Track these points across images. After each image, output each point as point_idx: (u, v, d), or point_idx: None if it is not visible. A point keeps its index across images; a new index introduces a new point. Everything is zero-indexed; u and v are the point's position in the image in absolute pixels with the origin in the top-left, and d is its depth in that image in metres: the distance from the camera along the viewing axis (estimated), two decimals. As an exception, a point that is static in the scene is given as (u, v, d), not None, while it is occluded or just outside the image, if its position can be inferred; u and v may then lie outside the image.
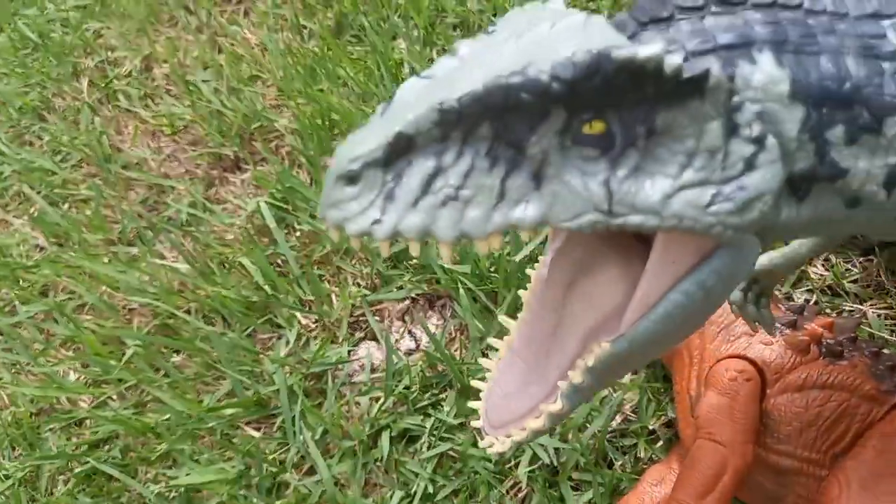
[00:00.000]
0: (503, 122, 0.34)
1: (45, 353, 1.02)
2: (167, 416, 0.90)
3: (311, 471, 0.83)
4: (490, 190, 0.34)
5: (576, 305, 0.41)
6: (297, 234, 1.00)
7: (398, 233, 0.33)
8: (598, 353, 0.39)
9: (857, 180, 0.39)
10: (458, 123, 0.33)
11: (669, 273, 0.38)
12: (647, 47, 0.33)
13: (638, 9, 0.37)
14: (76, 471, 0.90)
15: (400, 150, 0.33)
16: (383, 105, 0.35)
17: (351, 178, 0.33)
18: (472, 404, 0.43)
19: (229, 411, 0.88)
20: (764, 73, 0.36)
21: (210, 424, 0.87)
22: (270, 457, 0.84)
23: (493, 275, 0.85)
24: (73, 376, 0.99)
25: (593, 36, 0.34)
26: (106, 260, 1.06)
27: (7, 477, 0.93)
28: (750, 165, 0.36)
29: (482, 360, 0.44)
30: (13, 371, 1.02)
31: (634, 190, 0.35)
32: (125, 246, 1.09)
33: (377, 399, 0.85)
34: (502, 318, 0.45)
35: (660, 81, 0.33)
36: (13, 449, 0.96)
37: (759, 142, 0.36)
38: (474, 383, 0.44)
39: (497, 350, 0.43)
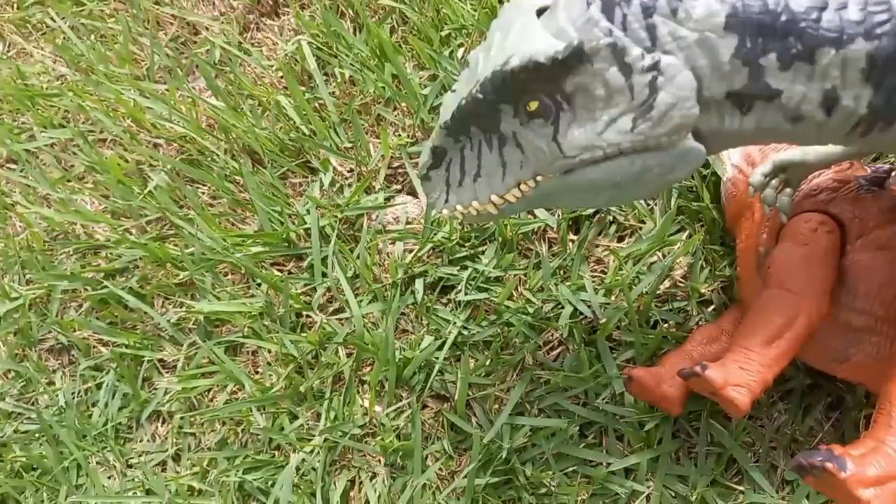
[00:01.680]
0: (479, 121, 0.48)
1: (62, 182, 0.98)
2: (189, 249, 0.87)
3: (338, 312, 0.80)
4: (496, 162, 0.49)
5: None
6: (338, 80, 0.94)
7: (457, 205, 0.51)
8: (542, 181, 0.48)
9: (793, 101, 0.45)
10: (458, 131, 0.49)
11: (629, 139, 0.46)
12: (535, 48, 0.44)
13: None
14: (90, 293, 0.87)
15: (439, 155, 0.50)
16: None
17: (425, 178, 0.51)
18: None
19: (255, 248, 0.84)
20: (705, 6, 0.43)
21: (235, 258, 0.83)
22: (296, 294, 0.81)
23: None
24: (91, 207, 0.95)
25: (518, 41, 0.45)
26: (133, 92, 1.01)
27: (16, 298, 0.90)
28: (653, 89, 0.43)
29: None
30: (29, 198, 0.98)
31: (576, 136, 0.45)
32: (152, 83, 1.03)
33: (411, 250, 0.81)
34: None
35: (554, 64, 0.43)
36: (23, 271, 0.93)
37: (654, 69, 0.43)
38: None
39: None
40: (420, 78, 0.90)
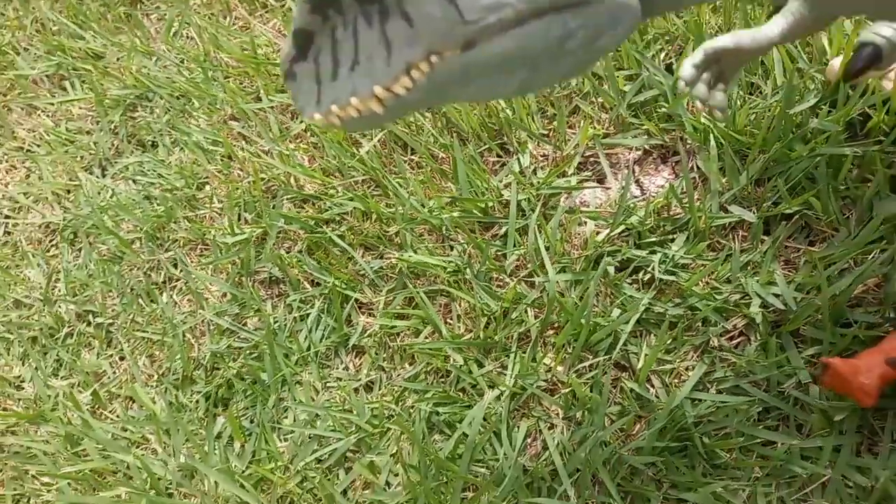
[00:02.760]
0: None
1: (281, 139, 1.11)
2: (393, 207, 0.97)
3: (528, 278, 0.88)
4: (378, 43, 0.38)
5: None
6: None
7: (332, 105, 0.39)
8: (438, 62, 0.38)
9: None
10: (324, 3, 0.38)
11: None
12: None
13: None
14: (305, 236, 0.99)
15: (305, 42, 0.39)
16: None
17: (289, 76, 0.40)
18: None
19: (454, 213, 0.93)
20: None
21: (439, 218, 0.93)
22: (490, 257, 0.89)
23: (752, 130, 0.85)
24: (307, 164, 1.08)
25: None
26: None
27: (239, 233, 1.03)
28: None
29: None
30: (251, 149, 1.12)
31: None
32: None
33: (599, 231, 0.88)
34: None
35: None
36: (244, 213, 1.06)
37: None
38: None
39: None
40: (619, 75, 0.97)
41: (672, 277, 0.81)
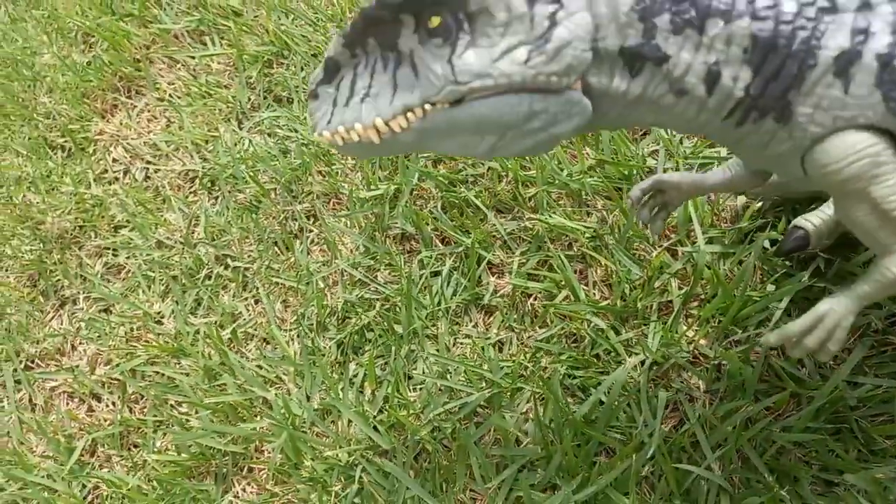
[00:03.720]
0: (378, 34, 0.47)
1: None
2: (530, 170, 0.97)
3: (671, 248, 0.86)
4: (388, 84, 0.48)
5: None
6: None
7: (339, 126, 0.48)
8: (430, 110, 0.47)
9: (679, 69, 0.47)
10: (355, 42, 0.47)
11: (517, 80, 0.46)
12: None
13: None
14: (440, 193, 1.00)
15: (333, 70, 0.49)
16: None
17: (312, 96, 0.50)
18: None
19: (590, 180, 0.92)
20: None
21: (578, 183, 0.92)
22: (635, 224, 0.87)
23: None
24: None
25: None
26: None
27: (375, 189, 1.06)
28: (553, 22, 0.45)
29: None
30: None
31: (471, 60, 0.45)
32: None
33: (748, 205, 0.85)
34: None
35: None
36: (380, 169, 1.08)
37: (557, 1, 0.45)
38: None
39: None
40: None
41: (832, 256, 0.78)
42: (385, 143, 0.48)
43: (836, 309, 0.55)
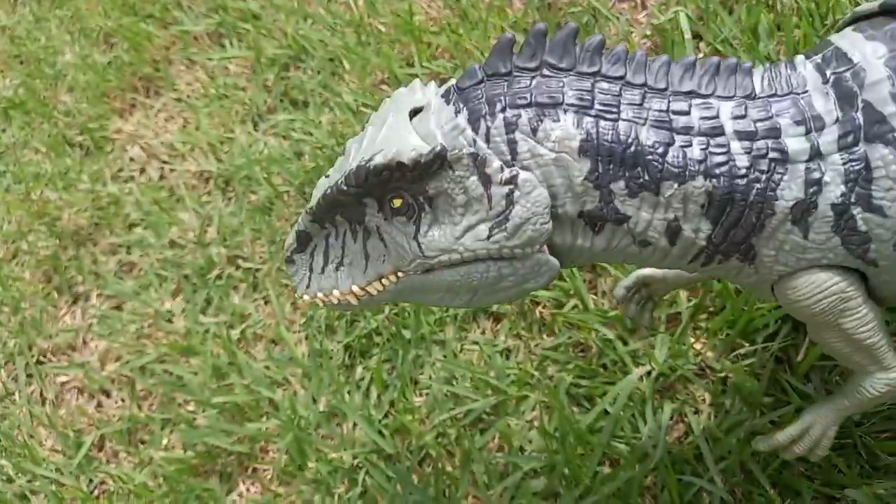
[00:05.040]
0: (344, 212, 0.49)
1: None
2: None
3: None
4: (359, 253, 0.50)
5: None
6: (701, 53, 1.00)
7: (318, 292, 0.52)
8: (403, 277, 0.50)
9: (640, 227, 0.48)
10: (323, 218, 0.50)
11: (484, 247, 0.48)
12: (401, 148, 0.45)
13: (487, 64, 0.48)
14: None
15: (305, 240, 0.51)
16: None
17: (289, 261, 0.53)
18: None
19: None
20: (562, 129, 0.46)
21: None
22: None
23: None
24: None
25: (388, 139, 0.47)
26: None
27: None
28: (510, 202, 0.46)
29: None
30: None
31: (436, 238, 0.47)
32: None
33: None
34: None
35: (416, 166, 0.46)
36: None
37: (511, 182, 0.46)
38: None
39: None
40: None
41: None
42: (363, 303, 0.52)
43: (820, 422, 0.58)
